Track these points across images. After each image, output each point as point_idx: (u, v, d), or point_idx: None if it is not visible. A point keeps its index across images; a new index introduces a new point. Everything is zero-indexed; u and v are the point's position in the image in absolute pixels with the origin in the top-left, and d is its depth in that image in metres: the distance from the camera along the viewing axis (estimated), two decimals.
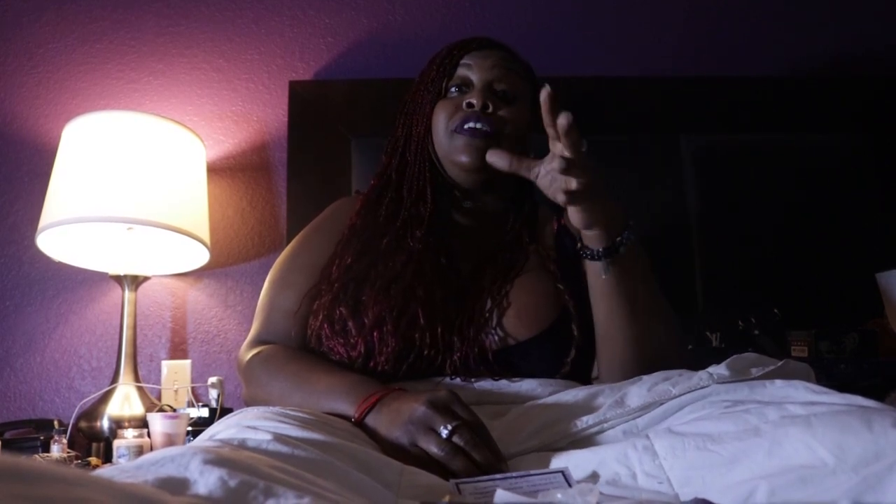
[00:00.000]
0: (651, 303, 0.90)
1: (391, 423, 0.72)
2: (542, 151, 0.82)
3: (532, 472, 0.60)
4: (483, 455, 0.66)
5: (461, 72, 1.04)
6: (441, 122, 1.02)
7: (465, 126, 0.98)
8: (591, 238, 0.85)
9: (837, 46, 1.82)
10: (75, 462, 1.28)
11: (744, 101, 1.70)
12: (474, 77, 1.03)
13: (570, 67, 1.76)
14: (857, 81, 1.74)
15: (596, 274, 0.87)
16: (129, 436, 1.28)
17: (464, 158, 0.99)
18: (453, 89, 1.04)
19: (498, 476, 0.60)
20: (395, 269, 0.93)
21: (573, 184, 0.77)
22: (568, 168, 0.75)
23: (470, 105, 1.00)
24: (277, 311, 0.99)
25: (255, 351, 0.95)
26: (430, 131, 1.04)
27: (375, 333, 0.88)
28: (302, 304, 0.97)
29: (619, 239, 0.84)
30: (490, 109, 0.99)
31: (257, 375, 0.92)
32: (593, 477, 0.62)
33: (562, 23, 1.80)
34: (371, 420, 0.75)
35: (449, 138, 1.01)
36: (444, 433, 0.67)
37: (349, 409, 0.78)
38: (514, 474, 0.60)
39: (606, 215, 0.83)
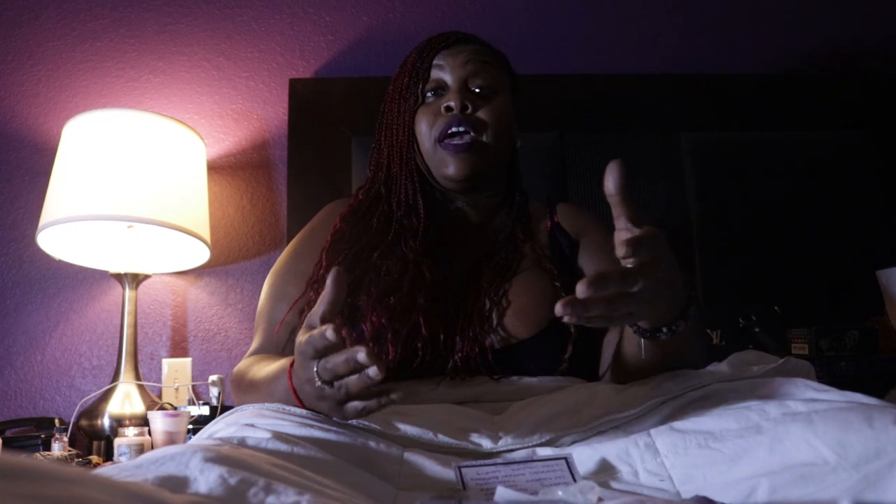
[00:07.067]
0: (682, 364, 0.78)
1: (307, 400, 0.68)
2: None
3: (534, 458, 0.60)
4: (353, 385, 0.59)
5: (435, 74, 1.01)
6: (424, 131, 1.00)
7: (449, 132, 0.97)
8: None
9: (836, 43, 1.82)
10: (76, 460, 1.28)
11: (744, 98, 1.69)
12: (448, 78, 1.01)
13: (569, 65, 1.76)
14: (856, 78, 1.74)
15: (632, 338, 0.75)
16: (130, 434, 1.28)
17: (451, 171, 0.99)
18: (429, 94, 1.02)
19: (500, 461, 0.60)
20: (391, 277, 0.91)
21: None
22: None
23: (449, 109, 0.98)
24: (273, 324, 0.97)
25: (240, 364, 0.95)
26: (414, 140, 1.02)
27: (373, 344, 0.87)
28: (294, 315, 0.95)
29: (664, 329, 0.71)
30: (469, 110, 0.98)
31: (234, 389, 0.92)
32: (594, 474, 0.62)
33: (560, 21, 1.79)
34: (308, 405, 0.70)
35: (433, 149, 0.99)
36: (319, 387, 0.62)
37: (294, 402, 0.72)
38: (516, 459, 0.60)
39: (665, 308, 0.69)
